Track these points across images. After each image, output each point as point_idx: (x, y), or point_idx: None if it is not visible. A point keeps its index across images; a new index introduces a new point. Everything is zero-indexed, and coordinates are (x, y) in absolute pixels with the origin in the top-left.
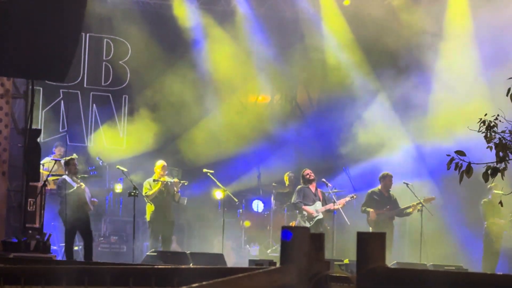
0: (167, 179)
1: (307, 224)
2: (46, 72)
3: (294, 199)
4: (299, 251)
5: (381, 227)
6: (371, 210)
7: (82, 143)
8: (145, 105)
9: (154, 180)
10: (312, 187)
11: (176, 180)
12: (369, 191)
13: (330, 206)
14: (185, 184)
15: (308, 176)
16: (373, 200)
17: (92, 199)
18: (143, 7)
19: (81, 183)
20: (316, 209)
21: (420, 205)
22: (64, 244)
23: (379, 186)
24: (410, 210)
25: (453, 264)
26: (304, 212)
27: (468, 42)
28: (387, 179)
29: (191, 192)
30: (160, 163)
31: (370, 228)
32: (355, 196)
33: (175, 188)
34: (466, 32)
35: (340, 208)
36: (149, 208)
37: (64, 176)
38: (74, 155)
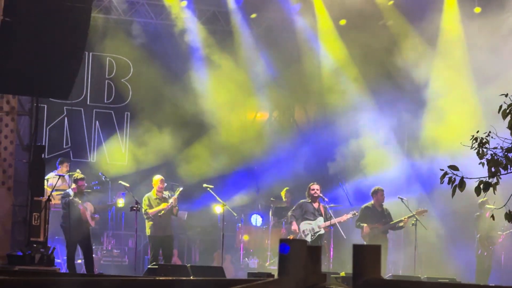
0: (165, 194)
1: (308, 239)
2: (50, 90)
3: (291, 211)
4: (296, 263)
5: (375, 241)
6: (364, 225)
7: (85, 159)
8: (147, 122)
9: (155, 198)
10: (315, 202)
11: (174, 198)
12: (363, 206)
13: (334, 221)
14: (179, 189)
15: (314, 192)
16: (367, 215)
17: (94, 215)
18: (145, 27)
19: (83, 205)
20: (318, 224)
21: (414, 218)
22: (66, 258)
23: (372, 201)
24: (402, 224)
25: (447, 277)
26: (292, 228)
27: (461, 60)
28: (378, 194)
29: (192, 206)
30: (158, 177)
31: (364, 242)
32: (356, 213)
33: (173, 198)
34: (459, 50)
35: (337, 223)
36: (148, 223)
37: (68, 190)
38: (78, 171)
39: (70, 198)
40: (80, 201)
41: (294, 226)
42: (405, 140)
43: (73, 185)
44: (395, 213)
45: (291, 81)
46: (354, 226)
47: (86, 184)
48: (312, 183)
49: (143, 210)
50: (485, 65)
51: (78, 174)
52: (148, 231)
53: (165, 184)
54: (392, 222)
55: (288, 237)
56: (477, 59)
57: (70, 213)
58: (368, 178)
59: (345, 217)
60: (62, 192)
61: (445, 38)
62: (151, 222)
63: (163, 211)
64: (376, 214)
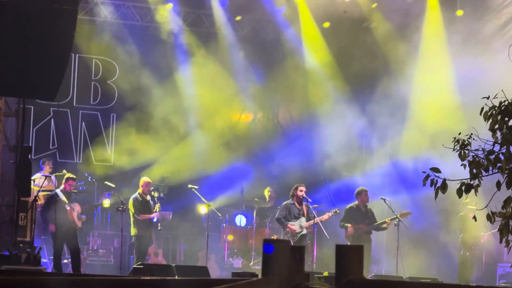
0: (149, 197)
1: (291, 240)
2: (37, 91)
3: (278, 214)
4: (280, 263)
5: (359, 241)
6: (348, 225)
7: (71, 159)
8: (132, 123)
9: (141, 200)
10: (300, 204)
11: (157, 206)
12: (347, 206)
13: (317, 220)
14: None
15: (301, 194)
16: (351, 216)
17: (81, 216)
18: (131, 29)
19: (70, 205)
20: (301, 224)
21: (396, 219)
22: (53, 257)
23: (356, 202)
24: (385, 225)
25: (429, 277)
26: (287, 229)
27: (443, 62)
28: (362, 195)
29: (177, 207)
30: (146, 179)
31: (348, 242)
32: (338, 211)
33: (156, 206)
34: (442, 52)
35: (320, 223)
36: (134, 222)
37: (56, 190)
38: (64, 172)
39: (58, 198)
40: (67, 201)
41: (292, 227)
42: (388, 141)
43: (62, 185)
44: (379, 213)
45: (276, 82)
46: (337, 226)
47: (74, 184)
48: (299, 184)
49: (131, 212)
50: (467, 67)
51: (69, 174)
52: (133, 231)
53: (152, 187)
54: (376, 223)
55: (272, 237)
56: (459, 61)
57: (57, 213)
58: (352, 179)
59: (326, 215)
60: (49, 192)
61: (427, 40)
62: (137, 222)
63: (148, 200)
64: (360, 215)
